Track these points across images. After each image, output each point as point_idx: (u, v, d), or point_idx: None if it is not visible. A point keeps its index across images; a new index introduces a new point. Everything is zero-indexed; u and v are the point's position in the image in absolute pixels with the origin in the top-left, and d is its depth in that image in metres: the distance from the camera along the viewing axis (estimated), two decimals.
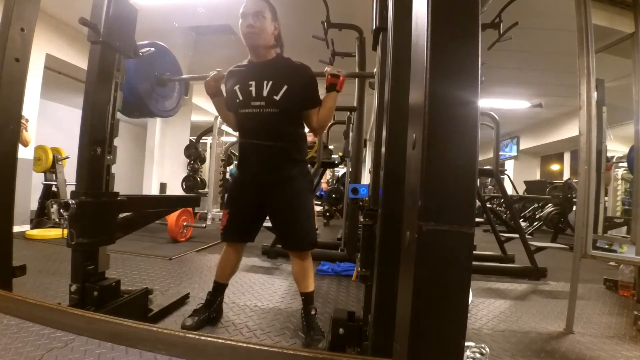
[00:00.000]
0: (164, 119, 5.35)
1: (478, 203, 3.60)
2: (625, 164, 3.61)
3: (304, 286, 1.56)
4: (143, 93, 1.63)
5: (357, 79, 3.00)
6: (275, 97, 1.43)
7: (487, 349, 1.03)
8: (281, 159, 1.49)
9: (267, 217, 1.62)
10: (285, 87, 1.43)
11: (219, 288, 1.65)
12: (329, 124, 1.60)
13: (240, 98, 1.48)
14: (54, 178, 4.14)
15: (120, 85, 1.45)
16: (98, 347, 0.75)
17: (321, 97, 1.54)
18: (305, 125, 1.60)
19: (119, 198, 1.51)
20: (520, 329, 1.74)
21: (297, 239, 1.53)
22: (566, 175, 7.98)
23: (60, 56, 4.30)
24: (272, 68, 1.49)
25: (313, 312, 1.54)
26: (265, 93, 1.44)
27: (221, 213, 1.69)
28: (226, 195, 2.08)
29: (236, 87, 1.50)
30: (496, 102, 6.35)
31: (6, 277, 1.18)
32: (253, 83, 1.47)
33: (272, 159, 1.48)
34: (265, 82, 1.45)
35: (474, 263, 2.68)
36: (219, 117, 2.08)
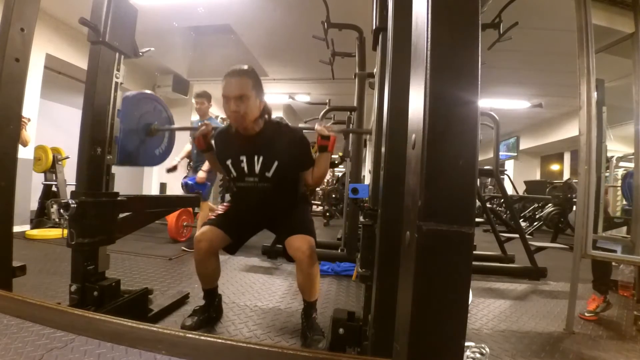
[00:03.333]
0: None
1: (478, 203, 3.60)
2: (625, 164, 3.60)
3: (309, 296, 1.51)
4: (132, 148, 1.63)
5: (357, 79, 3.00)
6: (267, 173, 1.47)
7: (487, 349, 1.03)
8: (279, 207, 1.57)
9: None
10: (276, 164, 1.46)
11: (210, 292, 1.63)
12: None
13: (234, 174, 1.52)
14: (54, 178, 4.14)
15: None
16: (98, 347, 0.75)
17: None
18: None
19: (119, 198, 1.51)
20: (520, 329, 1.74)
21: (292, 225, 1.51)
22: (566, 175, 7.98)
23: (60, 56, 4.30)
24: (262, 141, 1.47)
25: (314, 316, 1.54)
26: (257, 170, 1.47)
27: (221, 206, 1.67)
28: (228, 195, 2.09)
29: (228, 162, 1.51)
30: (496, 102, 6.35)
31: (6, 277, 1.18)
32: (244, 159, 1.48)
33: (271, 209, 1.57)
34: (256, 158, 1.47)
35: (474, 263, 2.68)
36: (213, 169, 2.14)
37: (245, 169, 1.49)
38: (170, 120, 1.89)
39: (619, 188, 3.48)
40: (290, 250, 1.45)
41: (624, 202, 3.48)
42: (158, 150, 1.81)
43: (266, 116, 1.51)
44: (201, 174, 3.08)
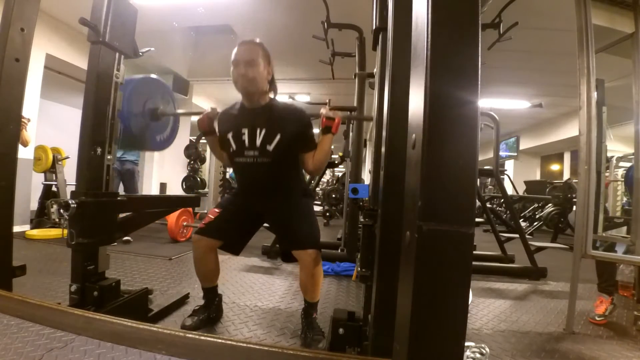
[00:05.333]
0: None
1: (478, 203, 3.60)
2: (625, 164, 3.60)
3: (311, 297, 1.50)
4: (137, 130, 1.63)
5: (357, 79, 3.00)
6: (268, 147, 1.43)
7: (487, 349, 1.03)
8: (278, 192, 1.52)
9: (263, 224, 1.65)
10: (278, 136, 1.43)
11: (210, 291, 1.62)
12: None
13: (234, 147, 1.48)
14: (54, 178, 4.13)
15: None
16: (98, 347, 0.75)
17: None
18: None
19: (119, 198, 1.51)
20: (520, 329, 1.74)
21: (298, 238, 1.47)
22: (566, 176, 7.97)
23: (60, 56, 4.30)
24: (266, 115, 1.46)
25: (314, 316, 1.54)
26: (258, 143, 1.44)
27: (210, 213, 1.60)
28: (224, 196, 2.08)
29: (229, 136, 1.49)
30: (496, 102, 6.35)
31: (6, 277, 1.18)
32: (246, 131, 1.46)
33: (269, 193, 1.52)
34: (258, 131, 1.44)
35: (474, 263, 2.68)
36: (214, 156, 2.04)
37: (246, 141, 1.45)
38: (175, 107, 1.90)
39: (619, 184, 3.47)
40: (295, 254, 1.45)
41: (624, 201, 3.48)
42: (160, 136, 1.81)
43: (272, 93, 1.51)
44: None
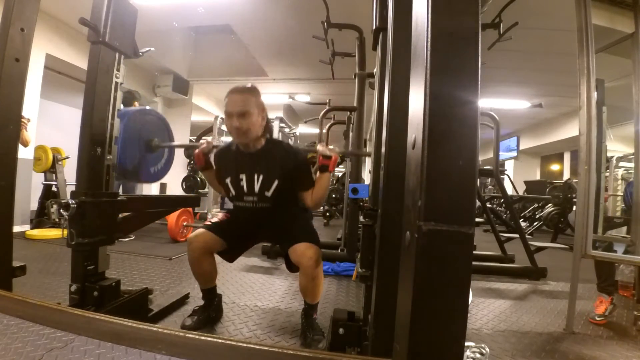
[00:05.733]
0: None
1: (478, 203, 3.60)
2: (625, 164, 3.60)
3: (312, 299, 1.50)
4: (131, 164, 1.62)
5: (357, 79, 3.01)
6: (266, 193, 1.46)
7: (487, 349, 1.03)
8: (279, 222, 1.55)
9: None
10: (276, 183, 1.45)
11: (209, 292, 1.62)
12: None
13: (233, 193, 1.51)
14: (54, 178, 4.13)
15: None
16: (98, 347, 0.75)
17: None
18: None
19: (119, 198, 1.51)
20: (520, 329, 1.74)
21: (297, 234, 1.48)
22: (566, 176, 7.98)
23: (60, 56, 4.30)
24: (262, 159, 1.47)
25: (314, 316, 1.54)
26: (256, 189, 1.46)
27: (220, 213, 1.65)
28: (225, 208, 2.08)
29: (227, 181, 1.51)
30: (496, 102, 6.35)
31: (6, 277, 1.18)
32: (244, 177, 1.47)
33: (270, 226, 1.56)
34: (255, 177, 1.46)
35: (474, 263, 2.68)
36: (212, 187, 2.05)
37: (245, 187, 1.48)
38: (170, 138, 1.88)
39: (618, 196, 3.48)
40: (295, 256, 1.42)
41: (623, 206, 3.48)
42: (154, 168, 1.80)
43: (268, 135, 1.51)
44: None
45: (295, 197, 1.54)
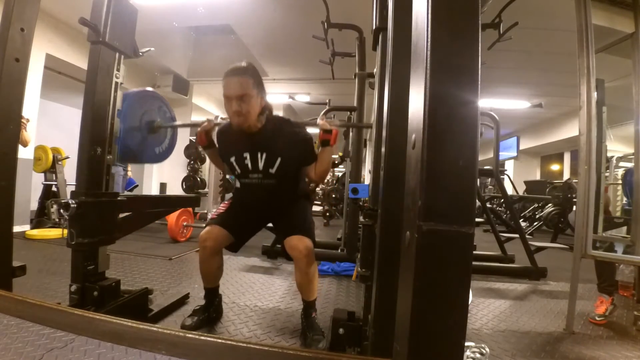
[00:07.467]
0: None
1: (478, 203, 3.60)
2: (625, 164, 3.60)
3: (307, 295, 1.52)
4: (134, 145, 1.62)
5: (357, 79, 3.00)
6: (271, 170, 1.48)
7: (487, 349, 1.03)
8: (283, 201, 1.57)
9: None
10: (279, 160, 1.46)
11: (212, 292, 1.63)
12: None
13: (238, 171, 1.53)
14: (54, 178, 4.14)
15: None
16: (98, 347, 0.75)
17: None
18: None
19: (119, 198, 1.51)
20: (520, 329, 1.74)
21: (292, 224, 1.52)
22: (566, 175, 7.98)
23: (60, 56, 4.30)
24: (264, 138, 1.47)
25: (313, 315, 1.54)
26: (261, 166, 1.48)
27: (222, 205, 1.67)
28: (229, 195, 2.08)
29: (232, 160, 1.52)
30: (496, 102, 6.35)
31: (6, 277, 1.18)
32: (247, 155, 1.49)
33: (274, 205, 1.57)
34: (259, 155, 1.47)
35: (474, 263, 2.68)
36: (214, 165, 2.05)
37: (249, 165, 1.49)
38: (173, 119, 1.89)
39: (619, 187, 3.48)
40: (288, 247, 1.46)
41: (624, 201, 3.48)
42: (159, 148, 1.81)
43: (267, 112, 1.50)
44: None
45: (298, 172, 1.56)
